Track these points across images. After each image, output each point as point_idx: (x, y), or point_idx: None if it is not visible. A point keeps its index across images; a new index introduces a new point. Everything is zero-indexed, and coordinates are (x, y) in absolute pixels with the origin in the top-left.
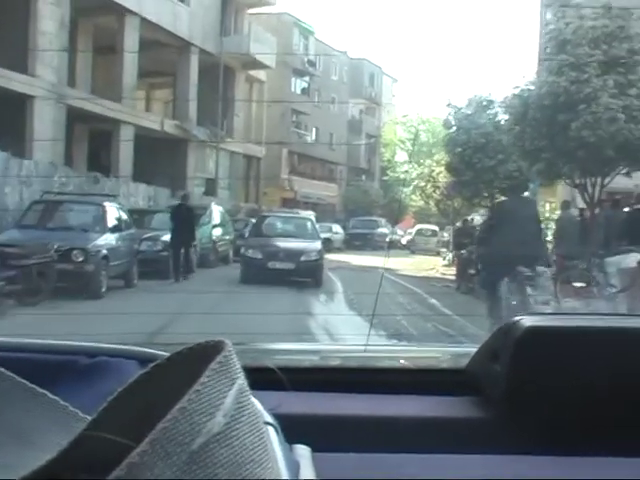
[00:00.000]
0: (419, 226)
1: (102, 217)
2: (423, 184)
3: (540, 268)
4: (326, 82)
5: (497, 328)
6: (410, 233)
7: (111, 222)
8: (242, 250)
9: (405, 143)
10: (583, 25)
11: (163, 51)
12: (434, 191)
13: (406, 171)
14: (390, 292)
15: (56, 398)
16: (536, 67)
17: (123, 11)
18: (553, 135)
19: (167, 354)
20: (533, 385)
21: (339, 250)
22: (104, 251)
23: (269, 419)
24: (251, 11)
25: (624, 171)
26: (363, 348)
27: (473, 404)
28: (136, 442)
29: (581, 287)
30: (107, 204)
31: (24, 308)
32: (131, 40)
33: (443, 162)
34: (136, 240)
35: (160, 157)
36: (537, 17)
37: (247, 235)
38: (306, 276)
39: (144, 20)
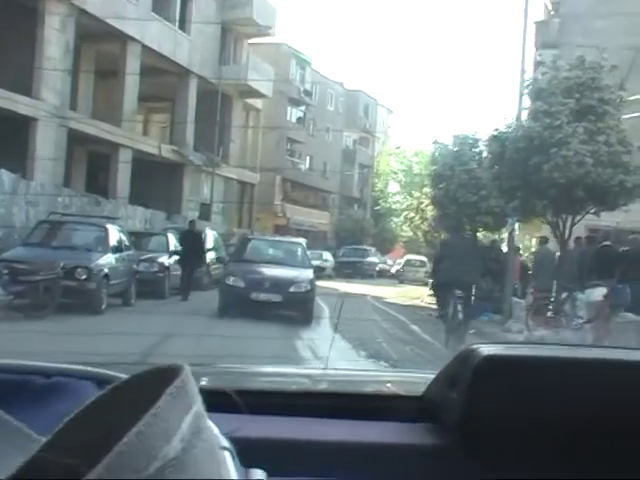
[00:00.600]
0: (408, 256)
1: (104, 238)
2: (412, 215)
3: (515, 299)
4: (322, 112)
5: (455, 356)
6: (399, 263)
7: (112, 243)
8: (222, 277)
9: (398, 174)
10: (557, 76)
11: (162, 77)
12: (422, 222)
13: (397, 202)
14: (375, 318)
15: (10, 418)
16: (516, 111)
17: (125, 38)
18: (527, 175)
19: (125, 376)
20: (490, 413)
21: (329, 277)
22: (105, 270)
23: (225, 443)
24: (250, 41)
25: (592, 211)
26: (322, 372)
27: (429, 431)
28: (91, 465)
29: (551, 317)
30: (109, 226)
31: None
32: (132, 66)
33: (430, 195)
34: (134, 261)
35: (156, 181)
36: (519, 64)
37: (227, 260)
38: (295, 309)
39: (145, 47)
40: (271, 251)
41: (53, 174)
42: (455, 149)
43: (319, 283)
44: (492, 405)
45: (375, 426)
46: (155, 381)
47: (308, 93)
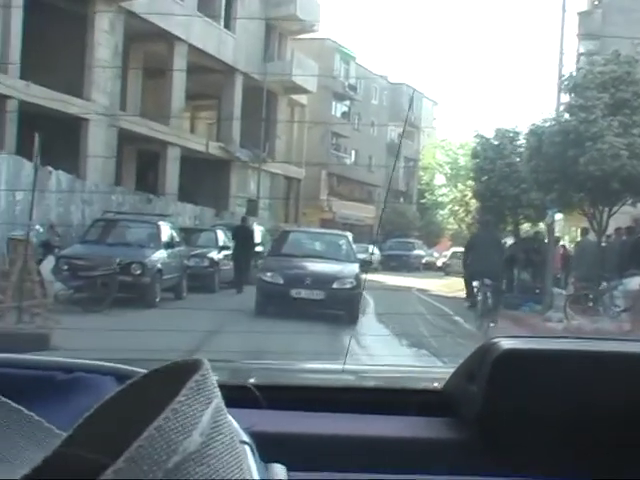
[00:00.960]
0: (454, 249)
1: (157, 235)
2: (457, 208)
3: (557, 290)
4: (366, 106)
5: (475, 349)
6: (445, 255)
7: (164, 239)
8: (259, 273)
9: (443, 167)
10: (592, 70)
11: (208, 75)
12: (466, 215)
13: (443, 194)
14: (420, 310)
15: (31, 414)
16: (555, 104)
17: (172, 38)
18: (564, 168)
19: (145, 371)
20: (509, 407)
21: (375, 270)
22: (158, 265)
23: (245, 438)
24: (294, 37)
25: (629, 202)
26: (341, 367)
27: (449, 425)
28: (112, 459)
29: (589, 307)
30: (161, 223)
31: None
32: (179, 65)
33: (473, 188)
34: (185, 256)
35: (204, 177)
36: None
37: (266, 254)
38: (339, 308)
39: (191, 46)
40: (312, 244)
41: (104, 173)
42: (496, 143)
43: (365, 276)
44: (511, 399)
45: (394, 420)
46: (175, 376)
47: (352, 87)
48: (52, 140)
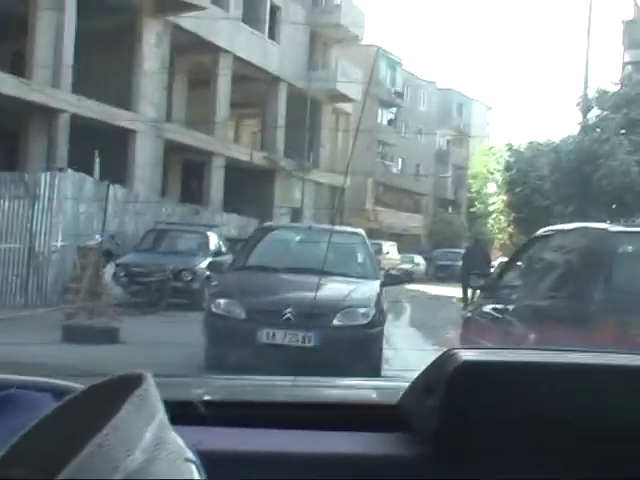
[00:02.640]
0: (501, 259)
1: (205, 243)
2: (501, 218)
3: None
4: (413, 113)
5: (432, 361)
6: (493, 266)
7: (212, 248)
8: (208, 300)
9: (494, 174)
10: (606, 92)
11: (253, 84)
12: (508, 225)
13: (494, 203)
14: (455, 317)
15: None
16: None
17: (217, 49)
18: (581, 183)
19: (83, 387)
20: (466, 421)
21: (420, 281)
22: (207, 272)
23: (190, 456)
24: (338, 45)
25: None
26: (292, 382)
27: (404, 440)
28: (49, 479)
29: None
30: (209, 233)
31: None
32: (224, 76)
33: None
34: None
35: (248, 187)
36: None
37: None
38: (344, 360)
39: (236, 57)
40: (302, 250)
41: (151, 183)
42: (528, 155)
43: (408, 287)
44: (469, 412)
45: (347, 437)
46: (116, 391)
47: (399, 94)
48: (101, 151)
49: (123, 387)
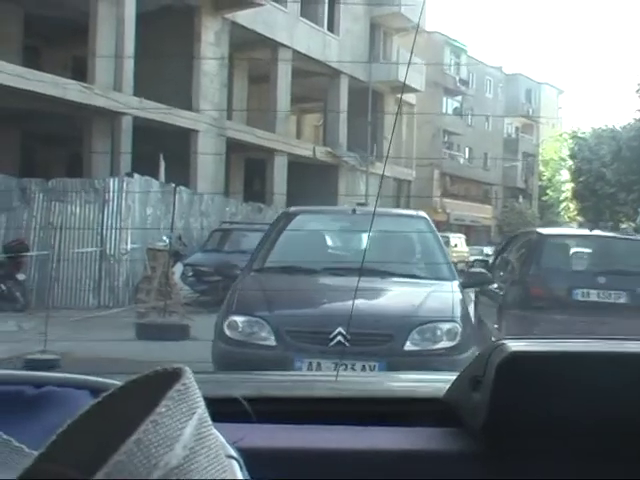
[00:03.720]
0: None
1: None
2: (570, 206)
3: None
4: (480, 100)
5: (478, 353)
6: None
7: None
8: (219, 317)
9: (566, 161)
10: None
11: (313, 78)
12: (577, 214)
13: (566, 190)
14: None
15: None
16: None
17: (276, 45)
18: None
19: (120, 383)
20: (516, 414)
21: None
22: None
23: (232, 452)
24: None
25: None
26: (334, 377)
27: (452, 435)
28: (89, 476)
29: None
30: None
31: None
32: (284, 72)
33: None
34: None
35: (311, 181)
36: None
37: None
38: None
39: (295, 51)
40: (347, 241)
41: (214, 182)
42: (592, 143)
43: None
44: (518, 406)
45: (392, 432)
46: (154, 386)
47: (464, 82)
48: (163, 152)
49: (162, 382)
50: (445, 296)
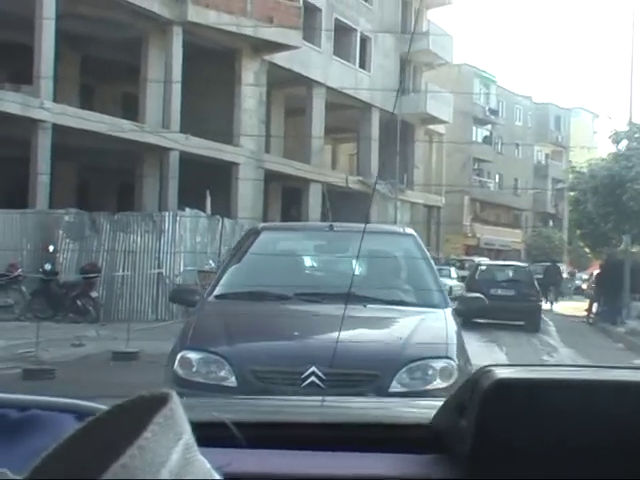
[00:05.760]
0: (597, 271)
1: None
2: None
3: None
4: (509, 128)
5: (465, 380)
6: (588, 280)
7: None
8: (171, 355)
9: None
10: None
11: (346, 111)
12: (579, 239)
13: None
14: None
15: None
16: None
17: (310, 82)
18: (615, 204)
19: (106, 407)
20: (503, 441)
21: None
22: None
23: (218, 478)
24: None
25: None
26: (321, 402)
27: (439, 461)
28: None
29: None
30: None
31: None
32: (318, 107)
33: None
34: None
35: (344, 209)
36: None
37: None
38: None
39: (329, 88)
40: (323, 263)
41: (253, 211)
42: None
43: None
44: (505, 432)
45: (379, 458)
46: (140, 411)
47: (494, 112)
48: (206, 183)
49: (148, 407)
50: (438, 327)
